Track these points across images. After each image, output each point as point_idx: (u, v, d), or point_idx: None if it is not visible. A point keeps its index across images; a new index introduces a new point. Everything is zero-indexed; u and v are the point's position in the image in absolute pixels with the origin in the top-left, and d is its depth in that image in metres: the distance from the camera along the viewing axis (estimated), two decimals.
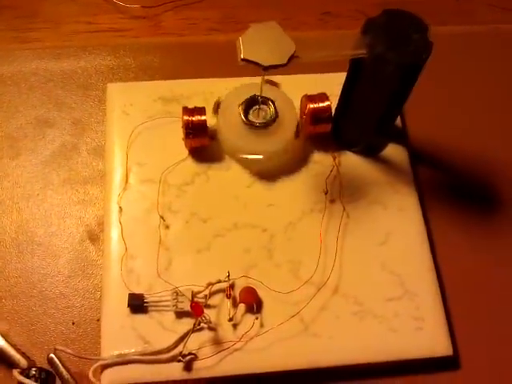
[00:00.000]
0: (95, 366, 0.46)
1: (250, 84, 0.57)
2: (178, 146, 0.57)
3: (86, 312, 0.51)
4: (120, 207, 0.53)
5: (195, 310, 0.46)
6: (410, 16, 0.49)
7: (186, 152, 0.57)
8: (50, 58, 0.66)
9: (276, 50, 0.46)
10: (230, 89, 0.58)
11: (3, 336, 0.48)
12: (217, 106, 0.57)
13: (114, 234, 0.52)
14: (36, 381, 0.43)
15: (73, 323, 0.50)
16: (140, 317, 0.49)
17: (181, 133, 0.56)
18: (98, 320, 0.50)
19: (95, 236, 0.55)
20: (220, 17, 0.75)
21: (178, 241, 0.52)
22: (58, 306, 0.52)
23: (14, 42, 0.71)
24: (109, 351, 0.47)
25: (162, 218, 0.53)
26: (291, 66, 0.47)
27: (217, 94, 0.59)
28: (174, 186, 0.55)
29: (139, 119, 0.58)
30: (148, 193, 0.54)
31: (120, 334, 0.48)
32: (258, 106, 0.56)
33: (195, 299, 0.48)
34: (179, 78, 0.63)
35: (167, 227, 0.53)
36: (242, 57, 0.46)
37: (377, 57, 0.48)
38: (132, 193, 0.54)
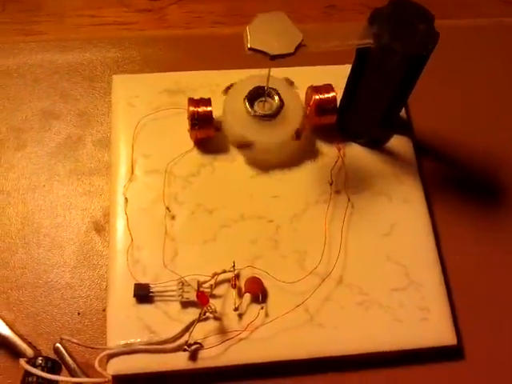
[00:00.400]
0: (101, 355, 0.46)
1: (256, 75, 0.57)
2: (184, 138, 0.57)
3: (91, 302, 0.52)
4: (126, 198, 0.53)
5: (201, 300, 0.47)
6: (415, 6, 0.49)
7: (191, 143, 0.57)
8: (55, 51, 0.66)
9: (283, 39, 0.46)
10: (235, 81, 0.58)
11: (9, 326, 0.48)
12: (228, 88, 0.56)
13: (120, 224, 0.52)
14: (42, 370, 0.43)
15: (78, 313, 0.51)
16: (146, 307, 0.49)
17: (186, 124, 0.56)
18: (104, 310, 0.50)
19: (101, 227, 0.55)
20: (225, 10, 0.75)
21: (183, 231, 0.52)
22: (63, 296, 0.52)
23: (18, 35, 0.71)
24: (115, 341, 0.47)
25: (167, 208, 0.53)
26: (298, 55, 0.47)
27: (222, 86, 0.59)
28: (180, 177, 0.55)
29: (144, 111, 0.58)
30: (154, 184, 0.55)
31: (126, 323, 0.48)
32: (263, 98, 0.56)
33: (201, 289, 0.48)
34: (184, 70, 0.63)
35: (173, 218, 0.53)
36: (249, 46, 0.46)
37: (383, 47, 0.48)
38: (138, 184, 0.54)
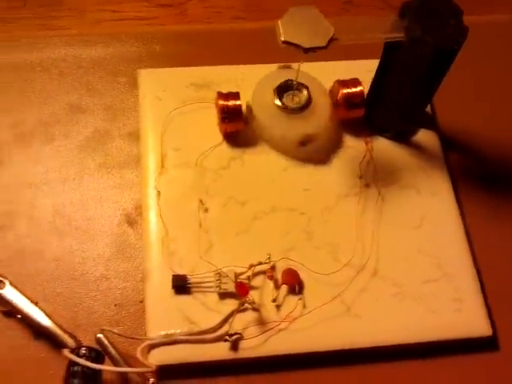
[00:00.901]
0: (143, 345, 0.46)
1: (283, 69, 0.58)
2: (212, 131, 0.58)
3: (127, 294, 0.52)
4: (158, 191, 0.54)
5: (241, 290, 0.47)
6: (444, 0, 0.50)
7: (220, 137, 0.57)
8: (79, 45, 0.66)
9: (315, 32, 0.47)
10: (260, 75, 0.58)
11: (49, 317, 0.48)
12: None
13: (153, 217, 0.53)
14: (87, 360, 0.43)
15: (115, 305, 0.51)
16: (184, 298, 0.49)
17: (214, 118, 0.57)
18: (141, 302, 0.50)
19: (133, 219, 0.55)
20: (244, 5, 0.75)
21: (217, 223, 0.53)
22: (99, 288, 0.52)
23: (40, 30, 0.71)
24: (155, 332, 0.48)
25: (200, 201, 0.53)
26: (330, 48, 0.47)
27: (247, 80, 0.60)
28: (211, 170, 0.55)
29: (172, 105, 0.59)
30: (184, 177, 0.55)
31: (165, 314, 0.48)
32: (292, 91, 0.56)
33: (238, 280, 0.49)
34: (205, 65, 0.63)
35: (206, 210, 0.53)
36: (282, 39, 0.47)
37: (414, 40, 0.49)
38: (169, 177, 0.55)
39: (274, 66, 0.60)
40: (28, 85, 0.62)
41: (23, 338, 0.49)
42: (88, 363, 0.42)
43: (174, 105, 0.59)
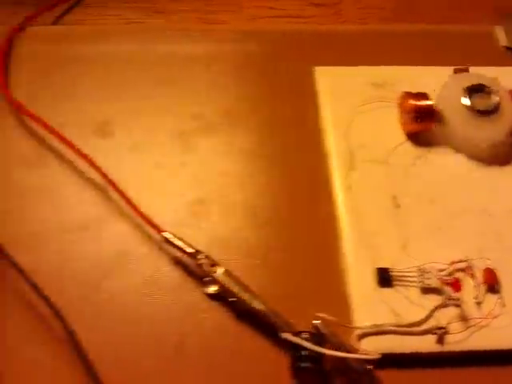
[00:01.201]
0: (356, 333, 0.47)
1: (467, 72, 0.59)
2: (394, 130, 0.60)
3: (325, 284, 0.53)
4: (349, 186, 0.55)
5: (454, 286, 0.49)
6: None
7: (402, 135, 0.59)
8: (243, 40, 0.68)
9: None
10: (433, 77, 0.61)
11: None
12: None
13: (348, 212, 0.55)
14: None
15: (313, 294, 0.52)
16: (387, 291, 0.50)
17: (394, 117, 0.58)
18: (343, 292, 0.51)
19: (326, 213, 0.56)
20: (395, 7, 0.76)
21: (409, 220, 0.54)
22: (297, 277, 0.53)
23: (198, 23, 0.73)
24: (360, 322, 0.49)
25: (394, 197, 0.55)
26: None
27: (421, 81, 0.61)
28: (398, 167, 0.57)
29: (353, 103, 0.61)
30: (374, 173, 0.57)
31: (370, 306, 0.50)
32: (481, 94, 0.57)
33: (440, 277, 0.50)
34: (363, 64, 0.65)
35: (398, 206, 0.54)
36: (505, 45, 0.48)
37: None
38: (359, 173, 0.57)
39: (444, 69, 0.61)
40: (199, 76, 0.65)
41: (228, 318, 0.50)
42: (317, 348, 0.44)
43: (355, 103, 0.61)
